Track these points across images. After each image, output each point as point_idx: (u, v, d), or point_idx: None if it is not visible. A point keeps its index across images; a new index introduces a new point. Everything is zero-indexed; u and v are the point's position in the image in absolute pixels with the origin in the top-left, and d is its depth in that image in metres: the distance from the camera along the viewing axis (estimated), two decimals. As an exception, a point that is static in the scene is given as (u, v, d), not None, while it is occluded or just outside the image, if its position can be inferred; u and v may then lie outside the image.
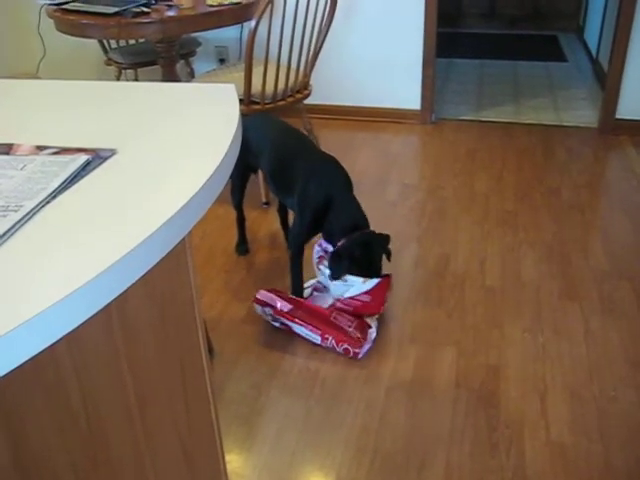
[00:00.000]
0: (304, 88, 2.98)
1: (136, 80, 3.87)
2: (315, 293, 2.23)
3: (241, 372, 1.95)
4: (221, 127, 0.91)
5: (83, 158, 0.81)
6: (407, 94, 3.83)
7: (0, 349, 0.51)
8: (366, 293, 2.04)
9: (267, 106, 2.80)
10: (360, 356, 1.97)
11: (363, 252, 2.05)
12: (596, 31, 4.71)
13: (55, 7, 2.80)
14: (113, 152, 0.84)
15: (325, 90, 3.84)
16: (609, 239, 2.59)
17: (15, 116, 1.01)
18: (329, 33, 2.94)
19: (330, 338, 1.99)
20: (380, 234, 2.13)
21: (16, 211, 0.69)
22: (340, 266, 2.04)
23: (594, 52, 4.78)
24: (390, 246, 2.17)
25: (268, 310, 2.10)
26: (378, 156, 3.44)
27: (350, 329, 2.00)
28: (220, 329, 2.13)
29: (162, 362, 0.94)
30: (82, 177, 0.78)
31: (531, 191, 3.00)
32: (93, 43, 3.71)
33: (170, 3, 2.76)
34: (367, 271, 2.07)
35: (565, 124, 3.81)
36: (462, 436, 1.70)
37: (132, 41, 3.69)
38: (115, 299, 0.62)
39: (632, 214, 2.77)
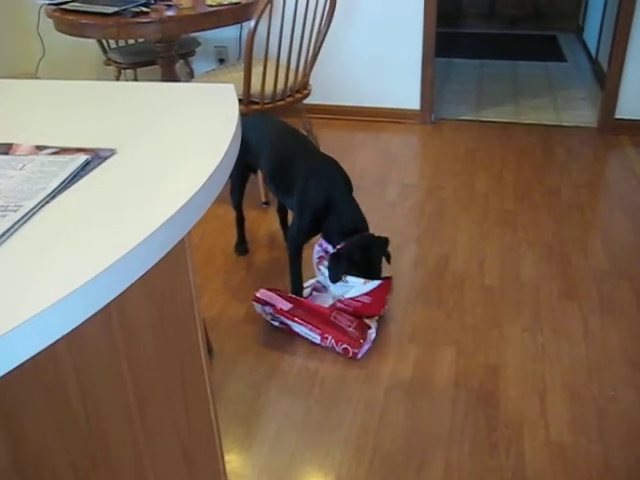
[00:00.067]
0: (303, 88, 2.98)
1: (135, 80, 3.87)
2: (315, 293, 2.23)
3: (240, 372, 1.95)
4: (220, 127, 0.91)
5: (82, 158, 0.81)
6: (407, 94, 3.83)
7: (-1, 349, 0.51)
8: (367, 294, 2.04)
9: (266, 106, 2.80)
10: (359, 356, 1.97)
11: (362, 255, 2.05)
12: (595, 31, 4.71)
13: (54, 7, 2.79)
14: (112, 152, 0.84)
15: (324, 90, 3.84)
16: (609, 239, 2.59)
17: (14, 116, 1.01)
18: (328, 33, 2.94)
19: (329, 337, 1.99)
20: (379, 237, 2.13)
21: (15, 211, 0.69)
22: (339, 269, 2.04)
23: (593, 52, 4.78)
24: (389, 248, 2.17)
25: (268, 309, 2.10)
26: (378, 156, 3.44)
27: (350, 329, 2.00)
28: (219, 329, 2.13)
29: (161, 362, 0.94)
30: (81, 177, 0.78)
31: (531, 191, 3.00)
32: (92, 43, 3.71)
33: (169, 3, 2.76)
34: (367, 274, 2.07)
35: (565, 124, 3.81)
36: (461, 436, 1.70)
37: (131, 41, 3.69)
38: (115, 299, 0.62)
39: (632, 214, 2.77)
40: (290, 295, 2.14)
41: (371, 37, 3.74)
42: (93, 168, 0.80)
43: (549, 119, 3.88)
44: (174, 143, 0.87)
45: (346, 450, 1.68)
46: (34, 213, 0.69)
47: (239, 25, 3.70)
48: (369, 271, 2.07)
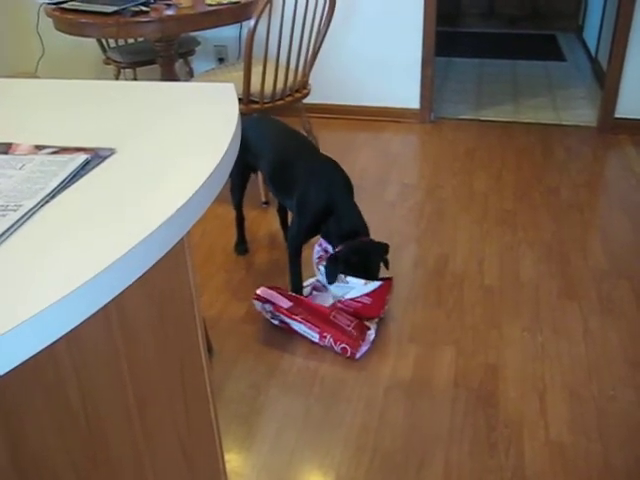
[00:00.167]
0: (303, 87, 2.98)
1: (135, 79, 3.86)
2: (315, 292, 2.23)
3: (240, 371, 1.95)
4: (220, 126, 0.91)
5: (82, 157, 0.81)
6: (406, 93, 3.83)
7: (-1, 349, 0.51)
8: (367, 295, 2.04)
9: (266, 105, 2.80)
10: (357, 357, 1.97)
11: (360, 260, 2.05)
12: (595, 30, 4.71)
13: (54, 6, 2.79)
14: (112, 151, 0.84)
15: (324, 89, 3.84)
16: (608, 238, 2.59)
17: (14, 115, 1.01)
18: (328, 32, 2.94)
19: (328, 336, 1.99)
20: (379, 242, 2.13)
21: (15, 210, 0.69)
22: (334, 272, 2.05)
23: (593, 51, 4.78)
24: (389, 254, 2.16)
25: (268, 307, 2.10)
26: (377, 155, 3.44)
27: (349, 329, 2.00)
28: (219, 328, 2.13)
29: (161, 361, 0.94)
30: (81, 176, 0.78)
31: (530, 190, 3.00)
32: (92, 42, 3.70)
33: (169, 2, 2.76)
34: (363, 278, 2.07)
35: (564, 123, 3.81)
36: (461, 435, 1.70)
37: (131, 40, 3.69)
38: (114, 298, 0.62)
39: (631, 213, 2.77)
40: (291, 294, 2.14)
41: (371, 36, 3.74)
42: (93, 167, 0.80)
43: (549, 118, 3.88)
44: (174, 142, 0.87)
45: (346, 449, 1.68)
46: (34, 213, 0.69)
47: (239, 24, 3.70)
48: (366, 276, 2.07)
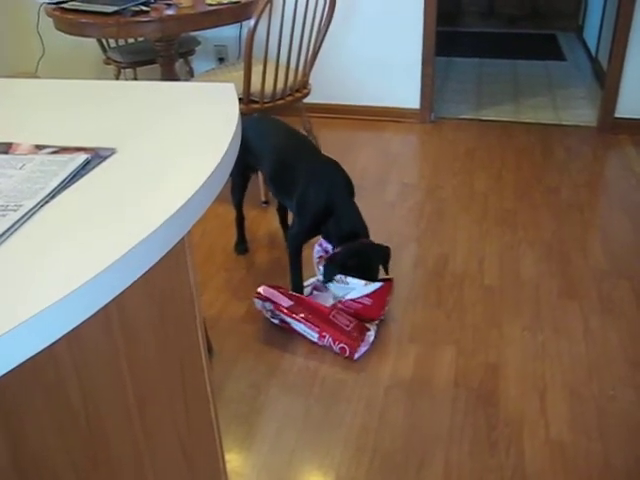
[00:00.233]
0: (303, 87, 2.98)
1: (135, 79, 3.86)
2: (315, 292, 2.23)
3: (240, 371, 1.95)
4: (220, 126, 0.91)
5: (82, 157, 0.81)
6: (406, 93, 3.83)
7: (-1, 349, 0.51)
8: (367, 296, 2.04)
9: (266, 105, 2.80)
10: (356, 357, 1.97)
11: (357, 262, 2.05)
12: (595, 30, 4.71)
13: (54, 6, 2.79)
14: (112, 151, 0.84)
15: (324, 89, 3.84)
16: (608, 238, 2.59)
17: (14, 115, 1.01)
18: (328, 32, 2.94)
19: (327, 336, 1.99)
20: (379, 245, 2.12)
21: (15, 210, 0.69)
22: (331, 273, 2.05)
23: (593, 51, 4.78)
24: (389, 260, 2.16)
25: (268, 305, 2.10)
26: (377, 155, 3.44)
27: (348, 329, 2.00)
28: (219, 328, 2.13)
29: (162, 361, 0.94)
30: (81, 176, 0.78)
31: (530, 190, 3.00)
32: (92, 42, 3.70)
33: (169, 2, 2.76)
34: (363, 279, 2.07)
35: (564, 123, 3.81)
36: (461, 435, 1.70)
37: (131, 40, 3.69)
38: (115, 298, 0.62)
39: (631, 213, 2.77)
40: (292, 293, 2.14)
41: (371, 36, 3.74)
42: (93, 167, 0.80)
43: (549, 118, 3.88)
44: (174, 142, 0.87)
45: (346, 449, 1.68)
46: (34, 212, 0.69)
47: (239, 24, 3.70)
48: (364, 277, 2.07)
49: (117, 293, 0.62)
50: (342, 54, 3.80)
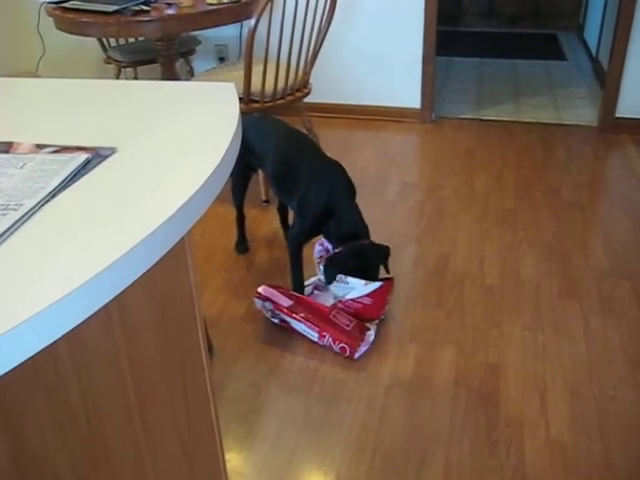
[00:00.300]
0: (304, 87, 2.98)
1: (135, 78, 3.86)
2: (316, 292, 2.23)
3: (241, 370, 1.95)
4: (221, 126, 0.91)
5: (83, 156, 0.81)
6: (407, 93, 3.82)
7: None
8: (367, 296, 2.04)
9: (267, 104, 2.80)
10: (356, 357, 1.97)
11: (357, 263, 2.05)
12: (596, 30, 4.71)
13: (54, 5, 2.79)
14: (113, 150, 0.84)
15: (325, 88, 3.84)
16: (609, 238, 2.59)
17: (15, 115, 1.01)
18: (329, 31, 2.94)
19: (327, 336, 1.99)
20: (379, 245, 2.12)
21: (16, 210, 0.69)
22: (332, 273, 2.05)
23: (594, 51, 4.78)
24: (389, 259, 2.16)
25: (268, 305, 2.10)
26: (378, 155, 3.44)
27: (348, 328, 2.00)
28: (220, 327, 2.13)
29: (162, 360, 0.94)
30: (82, 176, 0.78)
31: (531, 190, 3.00)
32: (92, 41, 3.70)
33: (170, 1, 2.76)
34: (363, 279, 2.07)
35: (565, 123, 3.81)
36: (461, 435, 1.70)
37: (132, 39, 3.69)
38: (115, 298, 0.62)
39: (632, 213, 2.77)
40: (292, 293, 2.14)
41: (371, 36, 3.74)
42: (94, 167, 0.80)
43: (549, 118, 3.88)
44: (174, 142, 0.87)
45: (346, 449, 1.68)
46: (34, 212, 0.69)
47: (239, 24, 3.70)
48: (364, 278, 2.07)
49: (117, 292, 0.62)
50: (343, 53, 3.80)
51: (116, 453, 0.87)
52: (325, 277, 2.09)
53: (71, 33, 2.78)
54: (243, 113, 1.02)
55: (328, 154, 2.23)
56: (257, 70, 2.69)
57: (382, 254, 2.14)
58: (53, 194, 0.73)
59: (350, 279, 2.05)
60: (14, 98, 1.09)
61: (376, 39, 3.74)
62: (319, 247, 2.25)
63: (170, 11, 2.66)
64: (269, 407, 1.82)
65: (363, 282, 2.05)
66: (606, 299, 2.22)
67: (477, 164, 3.29)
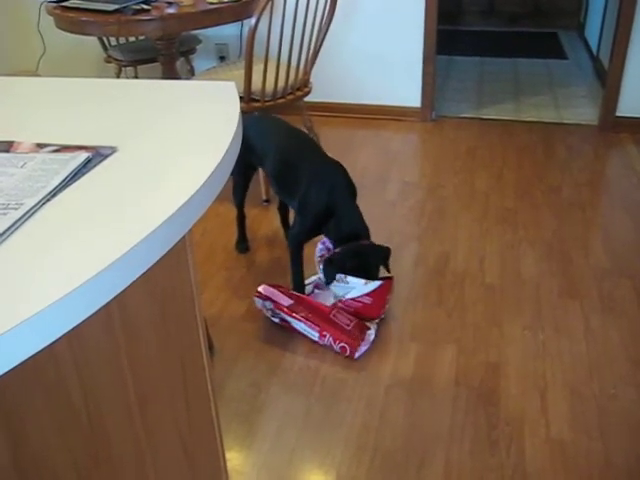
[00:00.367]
0: (304, 86, 2.98)
1: (136, 77, 3.86)
2: (317, 290, 2.23)
3: (241, 369, 1.95)
4: (221, 125, 0.91)
5: (83, 156, 0.81)
6: (407, 92, 3.82)
7: None
8: (367, 295, 2.04)
9: (267, 104, 2.79)
10: (356, 356, 1.97)
11: (356, 263, 2.05)
12: (597, 29, 4.70)
13: (55, 4, 2.79)
14: (114, 150, 0.84)
15: (325, 88, 3.84)
16: (609, 237, 2.59)
17: (15, 114, 1.01)
18: (329, 30, 2.94)
19: (328, 335, 1.99)
20: (379, 246, 2.12)
21: (16, 209, 0.69)
22: (330, 273, 2.06)
23: (595, 49, 4.78)
24: (389, 259, 2.16)
25: (268, 304, 2.10)
26: (378, 154, 3.44)
27: (349, 328, 2.00)
28: (220, 326, 2.13)
29: (163, 359, 0.94)
30: (83, 175, 0.78)
31: (531, 189, 3.00)
32: (93, 40, 3.70)
33: (170, 0, 2.76)
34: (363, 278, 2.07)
35: (565, 122, 3.80)
36: (462, 434, 1.70)
37: (132, 38, 3.69)
38: (116, 297, 0.62)
39: (633, 212, 2.77)
40: (292, 292, 2.14)
41: (372, 35, 3.73)
42: (94, 166, 0.80)
43: (550, 117, 3.88)
44: (175, 141, 0.87)
45: (347, 448, 1.68)
46: (35, 211, 0.69)
47: (240, 23, 3.70)
48: (363, 278, 2.07)
49: (118, 292, 0.62)
50: (343, 53, 3.80)
51: (117, 452, 0.87)
52: (325, 277, 2.09)
53: (71, 32, 2.78)
54: (244, 112, 1.02)
55: (329, 153, 2.23)
56: (258, 69, 2.69)
57: (382, 255, 2.14)
58: (54, 193, 0.73)
59: (350, 278, 2.05)
60: (14, 97, 1.09)
61: (376, 38, 3.74)
62: (321, 246, 2.25)
63: (170, 10, 2.66)
64: (269, 406, 1.82)
65: (363, 281, 2.05)
66: (606, 298, 2.22)
67: (477, 163, 3.29)
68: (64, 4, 2.77)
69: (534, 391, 1.84)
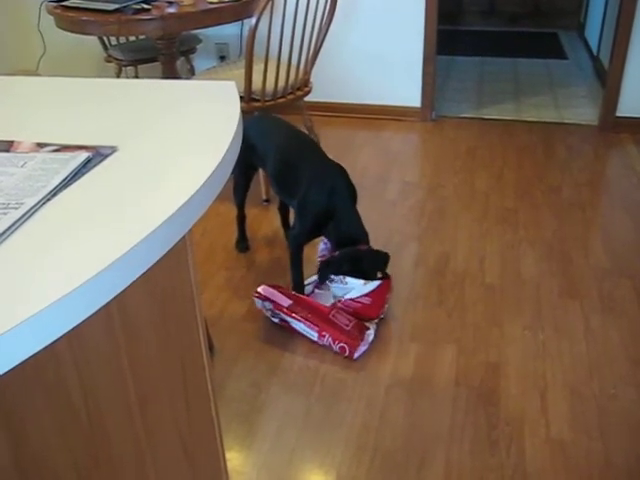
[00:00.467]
0: (304, 85, 2.98)
1: (136, 77, 3.86)
2: (317, 290, 2.23)
3: (241, 369, 1.95)
4: (222, 125, 0.91)
5: (84, 155, 0.81)
6: (408, 92, 3.82)
7: None
8: (366, 295, 2.04)
9: (267, 103, 2.79)
10: (355, 356, 1.97)
11: (353, 268, 2.05)
12: (597, 29, 4.70)
13: (55, 4, 2.79)
14: (114, 149, 0.84)
15: (326, 87, 3.84)
16: (609, 237, 2.59)
17: (15, 113, 1.01)
18: (330, 30, 2.94)
19: (327, 335, 1.99)
20: (377, 252, 2.12)
21: (17, 208, 0.69)
22: (325, 275, 2.07)
23: (595, 50, 4.78)
24: (388, 263, 2.16)
25: (268, 304, 2.10)
26: (379, 154, 3.44)
27: (348, 328, 2.00)
28: (220, 326, 2.13)
29: (163, 359, 0.94)
30: (83, 174, 0.78)
31: (531, 189, 3.00)
32: (93, 40, 3.70)
33: (170, 0, 2.76)
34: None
35: (566, 122, 3.80)
36: (462, 434, 1.70)
37: (132, 38, 3.69)
38: (116, 297, 0.62)
39: (633, 212, 2.77)
40: (291, 292, 2.14)
41: (372, 35, 3.73)
42: (94, 165, 0.80)
43: (550, 117, 3.88)
44: (175, 141, 0.87)
45: (347, 448, 1.68)
46: (35, 211, 0.69)
47: (240, 22, 3.70)
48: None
49: (118, 292, 0.62)
50: (343, 52, 3.80)
51: (117, 452, 0.87)
52: (318, 278, 2.10)
53: (72, 32, 2.78)
54: (244, 112, 1.02)
55: (329, 152, 2.23)
56: (258, 69, 2.69)
57: (380, 260, 2.13)
58: (54, 193, 0.73)
59: (349, 279, 2.05)
60: (15, 97, 1.09)
61: (376, 38, 3.74)
62: (323, 246, 2.25)
63: (171, 9, 2.66)
64: (269, 406, 1.82)
65: (362, 282, 2.05)
66: (606, 298, 2.22)
67: (478, 163, 3.29)
68: (64, 4, 2.77)
69: (534, 391, 1.84)
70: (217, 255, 2.53)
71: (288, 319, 2.06)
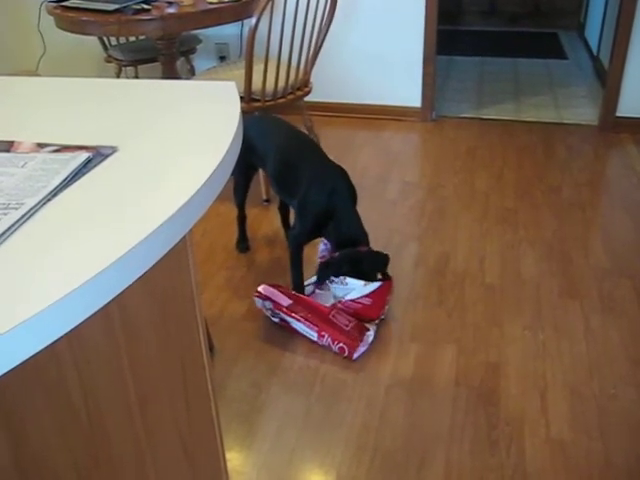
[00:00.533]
0: (304, 85, 2.98)
1: (136, 77, 3.86)
2: (317, 290, 2.23)
3: (241, 369, 1.95)
4: (222, 125, 0.91)
5: (84, 155, 0.81)
6: (407, 92, 3.82)
7: None
8: (367, 296, 2.04)
9: (267, 103, 2.79)
10: (355, 357, 1.97)
11: (352, 269, 2.05)
12: (597, 29, 4.70)
13: (55, 4, 2.79)
14: (114, 149, 0.84)
15: (326, 88, 3.84)
16: (609, 237, 2.59)
17: (15, 114, 1.01)
18: (330, 31, 2.94)
19: (326, 336, 1.99)
20: (377, 253, 2.12)
21: (17, 209, 0.69)
22: (324, 276, 2.07)
23: (595, 50, 4.78)
24: (388, 264, 2.16)
25: (268, 304, 2.10)
26: (378, 154, 3.44)
27: (347, 329, 2.00)
28: (220, 326, 2.13)
29: (163, 359, 0.94)
30: (83, 175, 0.78)
31: (531, 189, 3.00)
32: (93, 40, 3.70)
33: (170, 0, 2.76)
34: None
35: (565, 122, 3.80)
36: (462, 434, 1.70)
37: (132, 38, 3.69)
38: (116, 297, 0.62)
39: (633, 212, 2.77)
40: (292, 292, 2.14)
41: (372, 35, 3.73)
42: (95, 166, 0.80)
43: (550, 117, 3.88)
44: (175, 141, 0.87)
45: (347, 448, 1.68)
46: (36, 211, 0.69)
47: (240, 22, 3.70)
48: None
49: (118, 292, 0.62)
50: (343, 53, 3.80)
51: (117, 452, 0.87)
52: (317, 278, 2.10)
53: (72, 32, 2.78)
54: (244, 112, 1.02)
55: (329, 153, 2.23)
56: (258, 69, 2.69)
57: (380, 262, 2.13)
58: (54, 193, 0.73)
59: (349, 280, 2.05)
60: (15, 97, 1.09)
61: (376, 38, 3.74)
62: (323, 247, 2.25)
63: (171, 10, 2.66)
64: (270, 406, 1.82)
65: (362, 283, 2.05)
66: (606, 298, 2.22)
67: (478, 163, 3.29)
68: (64, 4, 2.77)
69: (534, 391, 1.84)
70: (217, 255, 2.54)
71: (288, 319, 2.07)
